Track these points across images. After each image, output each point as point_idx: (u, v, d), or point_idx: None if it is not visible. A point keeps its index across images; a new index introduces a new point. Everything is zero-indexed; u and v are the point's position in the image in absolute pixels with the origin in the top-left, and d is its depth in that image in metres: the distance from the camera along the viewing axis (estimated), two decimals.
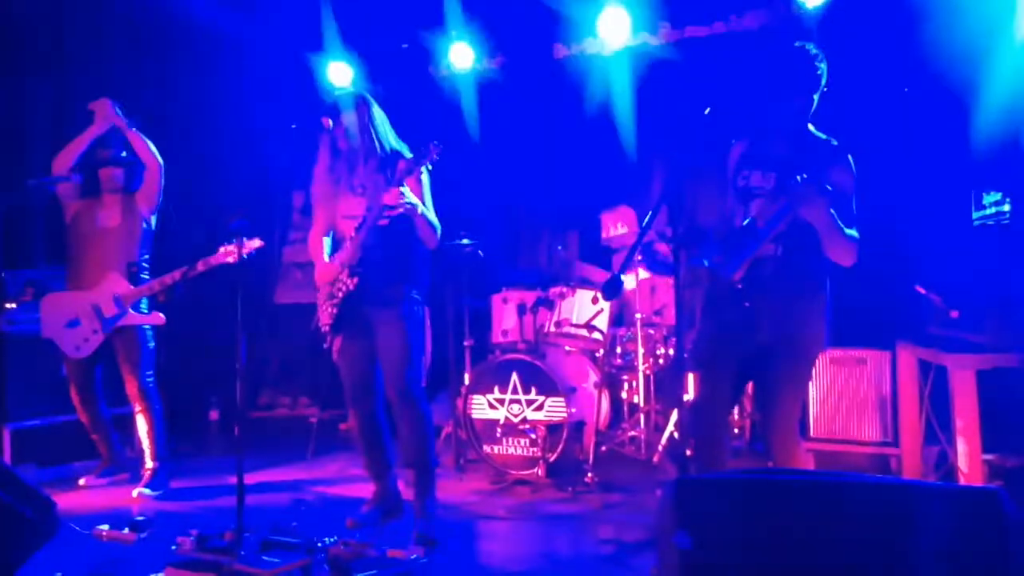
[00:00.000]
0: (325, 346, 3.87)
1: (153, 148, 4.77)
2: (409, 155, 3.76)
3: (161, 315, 4.73)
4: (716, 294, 3.19)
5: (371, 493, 3.95)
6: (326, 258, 3.90)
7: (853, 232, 2.99)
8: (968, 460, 3.51)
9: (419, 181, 3.79)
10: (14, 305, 4.87)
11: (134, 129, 4.74)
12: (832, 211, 2.91)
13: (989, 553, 1.84)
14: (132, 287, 4.64)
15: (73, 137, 4.79)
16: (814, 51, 3.11)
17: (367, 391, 3.87)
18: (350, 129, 3.77)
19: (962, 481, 3.48)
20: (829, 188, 2.90)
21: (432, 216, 3.79)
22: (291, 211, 7.26)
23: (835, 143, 3.15)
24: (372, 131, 3.78)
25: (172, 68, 6.11)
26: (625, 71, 6.18)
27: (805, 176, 2.90)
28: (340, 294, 3.76)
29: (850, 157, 3.10)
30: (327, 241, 3.98)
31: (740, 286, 3.07)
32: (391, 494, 3.92)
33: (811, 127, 3.19)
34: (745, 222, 3.12)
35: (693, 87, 5.76)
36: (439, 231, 3.83)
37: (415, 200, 3.66)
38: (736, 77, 3.26)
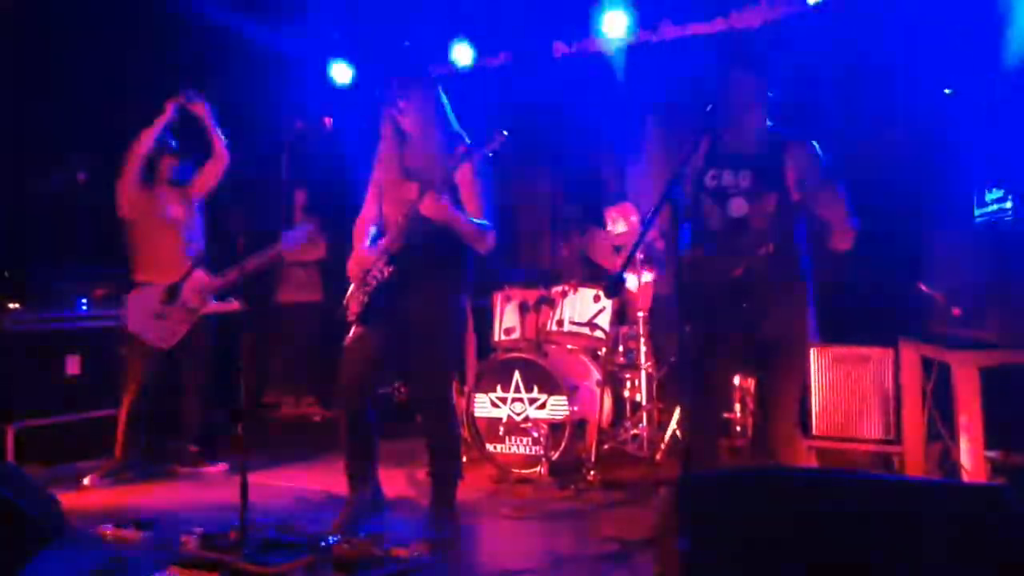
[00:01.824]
0: (347, 338, 3.67)
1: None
2: (469, 142, 3.58)
3: (237, 301, 4.89)
4: (707, 293, 3.18)
5: (347, 497, 3.76)
6: (366, 245, 3.68)
7: (855, 219, 3.01)
8: (971, 457, 3.51)
9: (476, 171, 3.55)
10: (18, 305, 4.87)
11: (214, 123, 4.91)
12: (848, 206, 2.93)
13: (992, 550, 1.84)
14: (212, 277, 4.80)
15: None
16: (762, 52, 3.14)
17: (361, 389, 3.65)
18: (413, 111, 3.56)
19: (965, 478, 3.48)
20: (838, 184, 2.92)
21: (476, 222, 3.51)
22: (293, 209, 7.26)
23: (796, 133, 3.17)
24: (435, 114, 3.58)
25: (175, 65, 6.10)
26: (626, 69, 6.18)
27: (815, 182, 2.91)
28: (373, 282, 3.56)
29: (814, 143, 3.12)
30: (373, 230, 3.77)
31: (737, 284, 3.07)
32: (368, 502, 3.74)
33: (769, 121, 3.20)
34: (732, 221, 3.13)
35: (693, 85, 5.77)
36: (488, 235, 3.56)
37: (453, 214, 3.42)
38: (710, 76, 3.27)
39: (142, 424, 4.83)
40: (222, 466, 5.00)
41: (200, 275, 4.81)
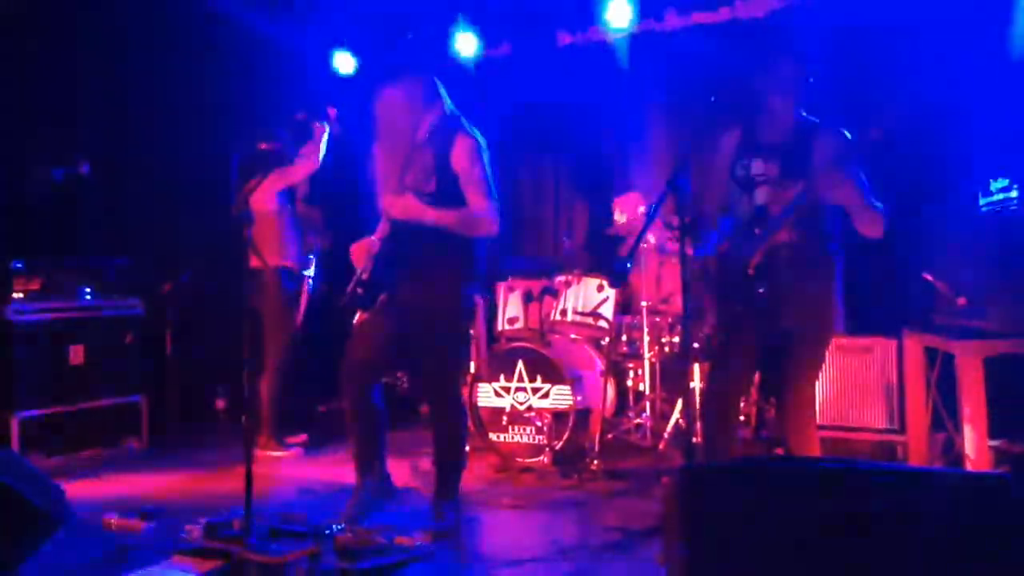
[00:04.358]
0: (355, 321, 3.69)
1: None
2: (468, 125, 3.54)
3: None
4: (728, 283, 3.18)
5: (355, 486, 3.74)
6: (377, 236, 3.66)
7: (878, 203, 3.01)
8: (975, 446, 3.51)
9: (472, 157, 3.50)
10: (22, 295, 4.88)
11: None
12: (859, 189, 2.93)
13: (996, 539, 1.84)
14: None
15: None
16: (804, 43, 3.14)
17: (367, 377, 3.65)
18: (401, 98, 3.50)
19: (969, 467, 3.48)
20: (859, 171, 2.92)
21: (458, 212, 3.45)
22: (295, 200, 7.25)
23: (827, 121, 3.16)
24: (424, 98, 3.52)
25: (178, 52, 6.09)
26: (630, 58, 6.16)
27: (822, 164, 2.91)
28: (369, 272, 3.56)
29: (845, 131, 3.11)
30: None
31: (754, 273, 3.06)
32: (376, 490, 3.72)
33: (802, 112, 3.19)
34: (755, 209, 3.13)
35: (698, 74, 5.75)
36: (483, 221, 3.49)
37: (421, 212, 3.41)
38: (742, 64, 3.26)
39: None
40: (302, 436, 5.42)
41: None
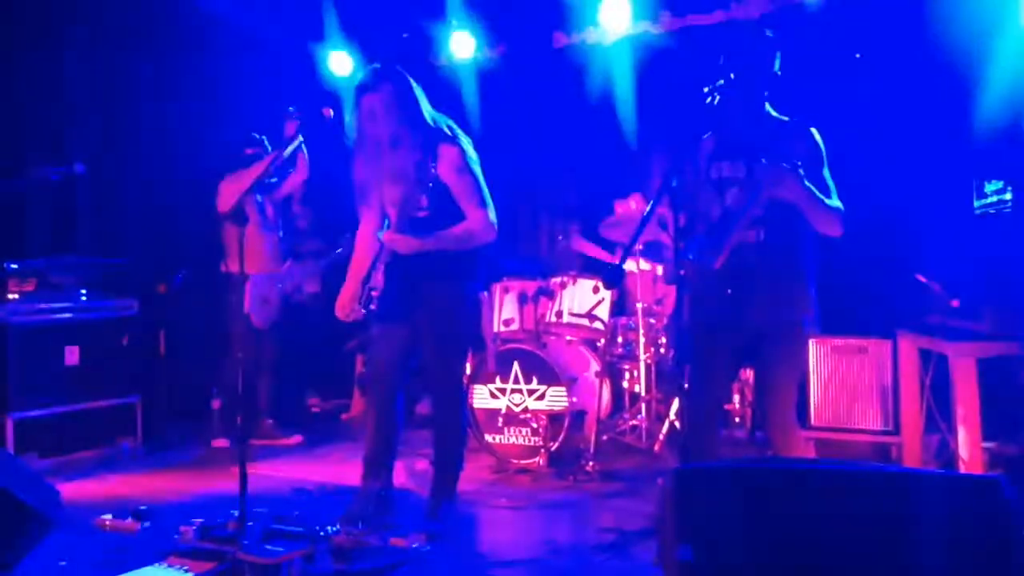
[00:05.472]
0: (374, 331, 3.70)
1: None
2: (449, 131, 3.52)
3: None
4: (700, 286, 3.16)
5: (361, 487, 3.72)
6: (355, 284, 3.66)
7: (836, 202, 3.00)
8: (969, 448, 3.52)
9: (459, 166, 3.49)
10: (17, 296, 4.87)
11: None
12: (807, 184, 2.91)
13: (990, 541, 1.84)
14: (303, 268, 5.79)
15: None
16: (768, 33, 3.11)
17: (390, 381, 3.66)
18: (377, 110, 3.45)
19: (962, 469, 3.49)
20: (799, 164, 2.90)
21: (453, 234, 3.47)
22: (291, 202, 7.24)
23: (795, 120, 3.15)
24: (402, 110, 3.45)
25: (172, 53, 6.08)
26: (626, 60, 6.17)
27: (765, 159, 2.90)
28: (376, 291, 3.57)
29: (813, 130, 3.11)
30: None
31: (722, 274, 3.05)
32: (376, 495, 3.69)
33: (770, 110, 3.18)
34: (725, 211, 3.13)
35: (694, 76, 5.75)
36: (478, 233, 3.52)
37: (421, 244, 3.42)
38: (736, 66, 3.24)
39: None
40: (297, 438, 5.50)
41: (291, 267, 5.56)
